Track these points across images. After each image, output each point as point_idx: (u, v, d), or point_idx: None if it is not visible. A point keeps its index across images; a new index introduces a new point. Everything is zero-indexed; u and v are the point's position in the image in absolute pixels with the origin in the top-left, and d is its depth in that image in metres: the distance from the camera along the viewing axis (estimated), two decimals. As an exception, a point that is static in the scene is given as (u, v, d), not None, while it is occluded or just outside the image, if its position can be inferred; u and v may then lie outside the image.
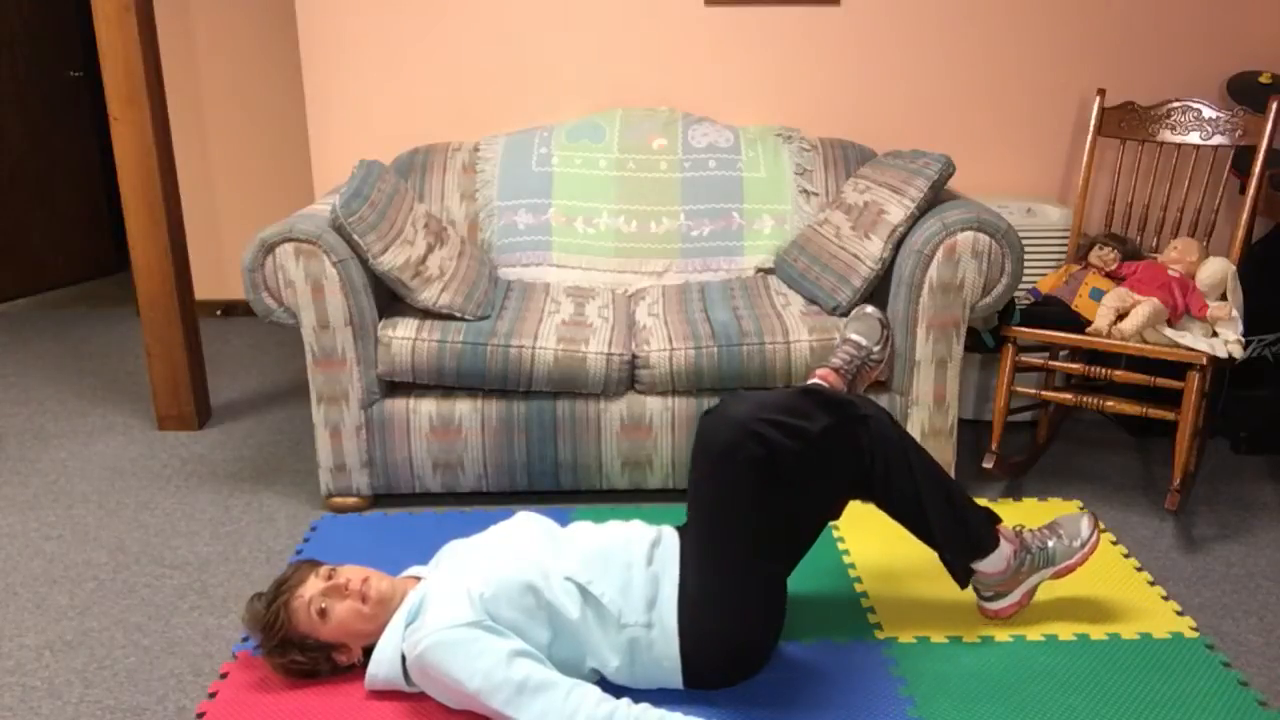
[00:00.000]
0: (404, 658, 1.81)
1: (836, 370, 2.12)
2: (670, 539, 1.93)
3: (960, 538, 1.95)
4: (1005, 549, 1.99)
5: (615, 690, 1.82)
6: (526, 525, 1.97)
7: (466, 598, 1.77)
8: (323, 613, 1.84)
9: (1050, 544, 2.03)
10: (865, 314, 2.21)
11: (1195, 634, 2.05)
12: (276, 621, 1.85)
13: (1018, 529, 2.05)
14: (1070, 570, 2.04)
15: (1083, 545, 2.03)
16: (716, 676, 1.86)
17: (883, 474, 1.88)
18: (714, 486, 1.80)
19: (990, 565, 1.99)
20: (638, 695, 1.84)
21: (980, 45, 3.20)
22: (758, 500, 1.78)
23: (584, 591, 1.82)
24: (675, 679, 1.84)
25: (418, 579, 1.96)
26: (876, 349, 2.14)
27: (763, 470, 1.76)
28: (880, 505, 1.94)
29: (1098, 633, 2.04)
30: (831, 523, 2.50)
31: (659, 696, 1.84)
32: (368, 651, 1.90)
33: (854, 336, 2.18)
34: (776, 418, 1.77)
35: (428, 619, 1.77)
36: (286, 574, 1.91)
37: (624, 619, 1.81)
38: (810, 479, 1.82)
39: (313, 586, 1.87)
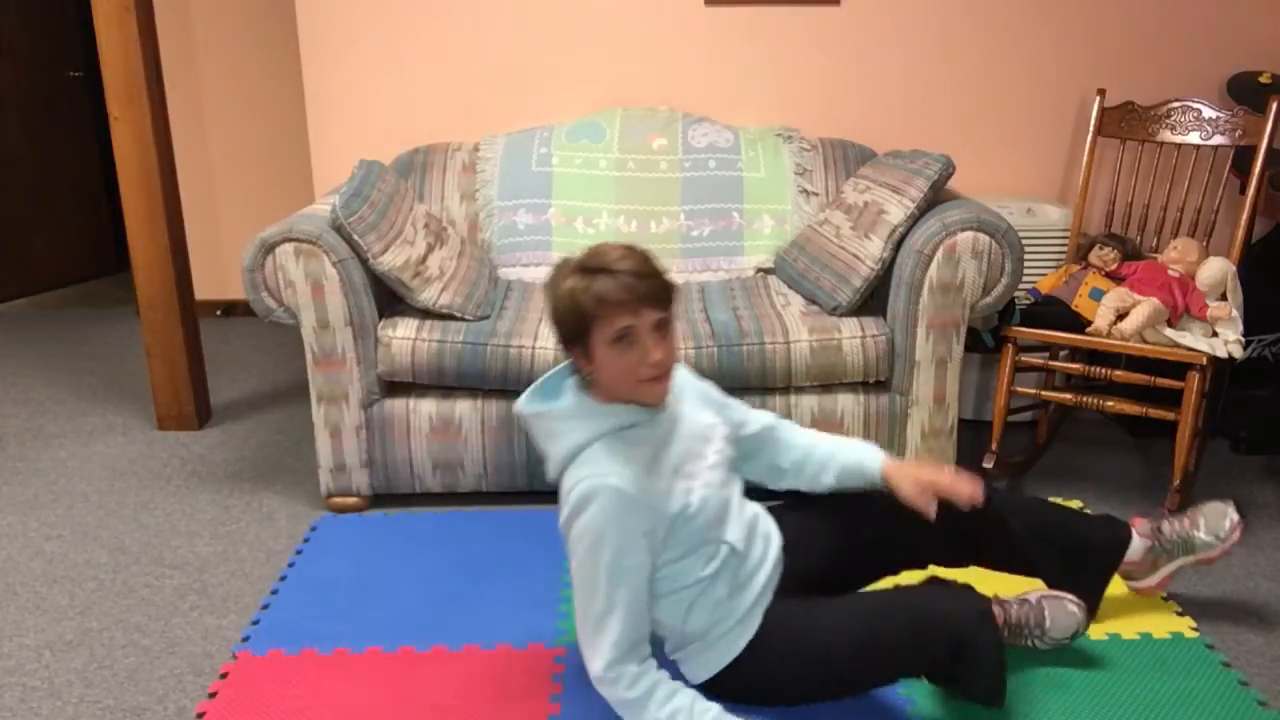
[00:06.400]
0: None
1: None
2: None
3: (1079, 584, 1.99)
4: (1139, 544, 2.02)
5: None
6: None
7: (666, 485, 1.67)
8: (644, 345, 1.62)
9: (1191, 534, 2.05)
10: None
11: (1195, 634, 2.05)
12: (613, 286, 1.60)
13: (1157, 522, 2.06)
14: (1210, 561, 2.06)
15: (1222, 540, 2.04)
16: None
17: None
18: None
19: (1127, 555, 2.03)
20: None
21: (980, 45, 3.20)
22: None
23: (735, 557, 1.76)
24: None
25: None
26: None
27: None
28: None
29: (1098, 633, 2.04)
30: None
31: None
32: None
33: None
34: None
35: (595, 463, 1.64)
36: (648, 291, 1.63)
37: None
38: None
39: (650, 337, 1.63)
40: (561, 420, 1.71)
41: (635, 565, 1.65)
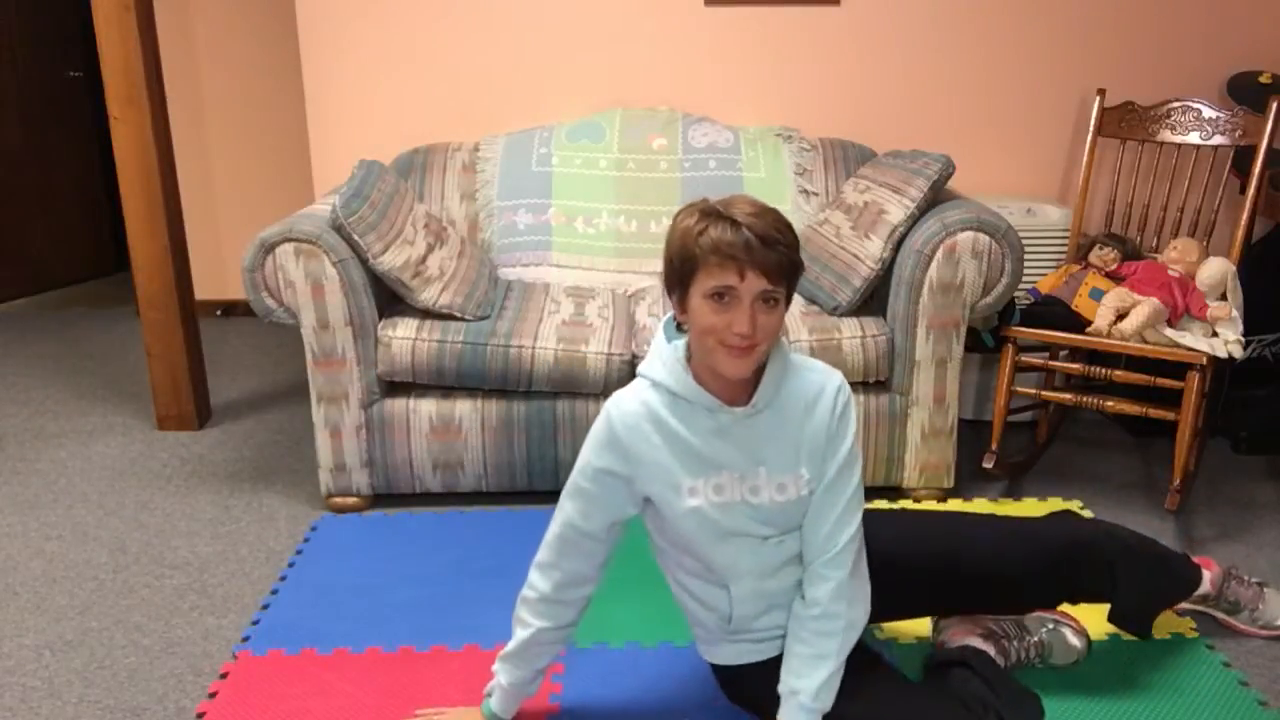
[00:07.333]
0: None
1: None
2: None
3: (1137, 612, 1.95)
4: (1203, 588, 2.02)
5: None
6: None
7: (672, 473, 1.59)
8: (740, 311, 1.48)
9: (1245, 606, 2.05)
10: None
11: (1195, 634, 2.05)
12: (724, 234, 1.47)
13: (1228, 578, 2.05)
14: (1234, 630, 2.07)
15: (1264, 627, 2.06)
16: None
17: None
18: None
19: None
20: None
21: (980, 45, 3.20)
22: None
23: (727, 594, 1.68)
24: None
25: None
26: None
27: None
28: None
29: (1098, 633, 2.04)
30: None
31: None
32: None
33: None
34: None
35: (632, 392, 1.62)
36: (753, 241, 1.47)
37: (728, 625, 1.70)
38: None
39: (750, 308, 1.48)
40: (657, 349, 1.64)
41: (587, 495, 1.63)
